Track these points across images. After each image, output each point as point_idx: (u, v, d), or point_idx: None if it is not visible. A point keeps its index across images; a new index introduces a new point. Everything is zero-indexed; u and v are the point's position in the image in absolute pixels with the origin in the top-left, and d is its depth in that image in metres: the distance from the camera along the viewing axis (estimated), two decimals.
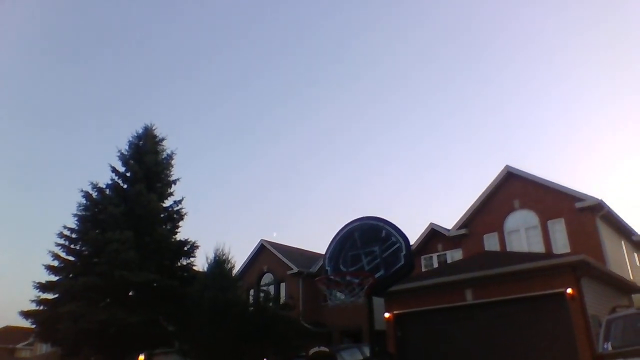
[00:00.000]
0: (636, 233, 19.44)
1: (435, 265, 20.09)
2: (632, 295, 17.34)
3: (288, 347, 16.60)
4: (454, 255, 19.81)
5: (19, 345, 42.15)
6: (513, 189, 18.72)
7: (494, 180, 19.11)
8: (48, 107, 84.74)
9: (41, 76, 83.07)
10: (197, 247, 19.17)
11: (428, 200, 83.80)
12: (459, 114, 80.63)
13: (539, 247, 17.41)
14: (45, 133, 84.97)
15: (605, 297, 14.48)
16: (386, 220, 7.84)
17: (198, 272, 18.75)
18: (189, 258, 19.21)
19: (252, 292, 24.23)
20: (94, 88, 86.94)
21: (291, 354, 15.76)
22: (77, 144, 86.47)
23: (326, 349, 3.21)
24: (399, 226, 7.62)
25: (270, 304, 18.50)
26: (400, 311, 16.14)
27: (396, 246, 7.31)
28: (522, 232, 18.24)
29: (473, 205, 19.31)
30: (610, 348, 7.43)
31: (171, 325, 18.06)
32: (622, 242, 19.18)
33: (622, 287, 16.41)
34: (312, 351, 3.10)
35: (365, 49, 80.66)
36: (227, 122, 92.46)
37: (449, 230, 19.93)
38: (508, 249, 17.97)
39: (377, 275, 7.18)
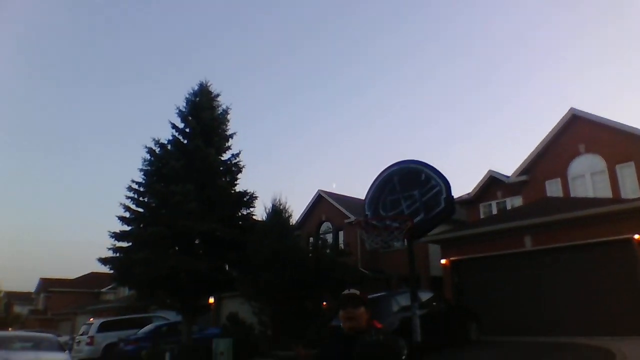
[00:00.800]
0: None
1: (494, 212, 19.69)
2: None
3: None
4: (514, 202, 19.27)
5: (104, 290, 46.03)
6: (578, 133, 17.72)
7: (557, 124, 18.13)
8: (114, 71, 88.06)
9: (113, 49, 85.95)
10: (255, 197, 19.73)
11: (487, 147, 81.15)
12: (522, 57, 76.01)
13: (606, 193, 16.58)
14: (114, 94, 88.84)
15: None
16: (426, 163, 7.59)
17: (257, 221, 19.42)
18: (248, 208, 19.84)
19: (311, 240, 24.90)
20: (156, 48, 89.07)
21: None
22: (142, 103, 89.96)
23: (356, 292, 3.14)
24: (439, 169, 7.38)
25: (328, 251, 18.97)
26: (457, 257, 16.17)
27: (436, 189, 7.11)
28: (587, 177, 17.40)
29: (535, 150, 18.51)
30: None
31: (235, 271, 19.01)
32: None
33: None
34: (343, 294, 3.08)
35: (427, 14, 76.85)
36: (285, 76, 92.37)
37: (508, 177, 19.32)
38: (572, 196, 17.25)
39: (416, 219, 7.07)
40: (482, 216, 19.89)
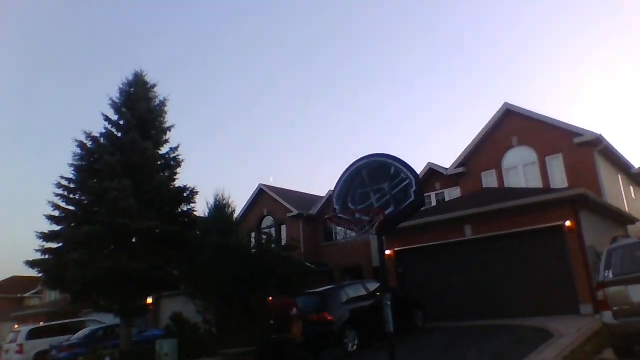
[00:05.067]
0: (633, 166, 19.55)
1: (434, 203, 20.31)
2: (628, 227, 17.83)
3: (291, 287, 17.00)
4: (452, 193, 19.98)
5: (27, 294, 43.10)
6: (511, 126, 18.62)
7: (492, 118, 18.96)
8: (39, 56, 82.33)
9: (34, 25, 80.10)
10: (196, 192, 19.05)
11: (426, 139, 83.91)
12: (456, 52, 79.12)
13: (536, 183, 17.57)
14: (36, 83, 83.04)
15: (601, 228, 14.81)
16: (395, 157, 7.59)
17: (199, 217, 18.82)
18: (188, 204, 19.13)
19: (253, 235, 24.56)
20: (85, 35, 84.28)
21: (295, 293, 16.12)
22: (69, 93, 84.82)
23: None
24: (408, 163, 7.41)
25: (273, 246, 18.78)
26: (400, 248, 16.52)
27: (406, 182, 7.10)
28: (519, 168, 18.33)
29: (471, 143, 19.26)
30: (611, 276, 7.62)
31: (176, 270, 18.34)
32: (619, 176, 19.38)
33: (618, 218, 16.76)
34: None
35: None
36: (222, 67, 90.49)
37: (446, 169, 19.98)
38: (505, 186, 18.13)
39: (387, 212, 7.06)
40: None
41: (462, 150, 19.37)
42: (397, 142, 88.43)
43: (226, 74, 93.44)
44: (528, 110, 18.29)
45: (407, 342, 12.01)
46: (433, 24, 76.72)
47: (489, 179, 18.69)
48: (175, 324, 16.70)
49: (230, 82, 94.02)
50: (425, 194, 20.56)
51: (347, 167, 7.85)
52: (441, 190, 20.47)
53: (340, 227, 7.33)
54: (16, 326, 24.14)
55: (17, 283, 44.15)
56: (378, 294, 13.86)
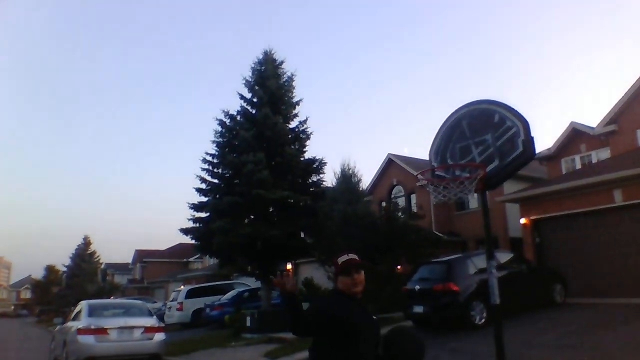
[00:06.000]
0: None
1: (578, 167, 18.33)
2: None
3: (420, 255, 16.84)
4: (600, 155, 17.80)
5: (191, 259, 49.04)
6: None
7: None
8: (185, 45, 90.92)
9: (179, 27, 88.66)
10: (325, 163, 19.63)
11: (568, 98, 75.61)
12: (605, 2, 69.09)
13: None
14: (184, 70, 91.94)
15: None
16: (499, 102, 6.34)
17: (328, 187, 19.44)
18: (318, 175, 19.82)
19: (383, 204, 24.70)
20: (218, 23, 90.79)
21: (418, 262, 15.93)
22: (213, 78, 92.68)
23: (355, 256, 2.79)
24: (515, 107, 6.17)
25: (400, 214, 18.69)
26: (538, 216, 15.36)
27: (512, 131, 5.97)
28: None
29: (624, 96, 16.81)
30: None
31: (309, 237, 19.28)
32: None
33: None
34: (340, 260, 2.77)
35: None
36: (348, 42, 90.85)
37: (593, 128, 17.79)
38: None
39: (490, 167, 6.10)
40: (564, 172, 18.61)
41: (613, 105, 17.03)
42: (536, 101, 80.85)
43: (357, 49, 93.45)
44: None
45: (541, 318, 11.23)
46: None
47: None
48: (307, 288, 17.67)
49: (360, 57, 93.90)
50: (568, 157, 18.86)
51: (446, 118, 6.98)
52: (587, 153, 18.32)
53: (432, 187, 6.56)
54: (182, 287, 27.57)
55: (182, 249, 50.46)
56: (514, 265, 13.09)
